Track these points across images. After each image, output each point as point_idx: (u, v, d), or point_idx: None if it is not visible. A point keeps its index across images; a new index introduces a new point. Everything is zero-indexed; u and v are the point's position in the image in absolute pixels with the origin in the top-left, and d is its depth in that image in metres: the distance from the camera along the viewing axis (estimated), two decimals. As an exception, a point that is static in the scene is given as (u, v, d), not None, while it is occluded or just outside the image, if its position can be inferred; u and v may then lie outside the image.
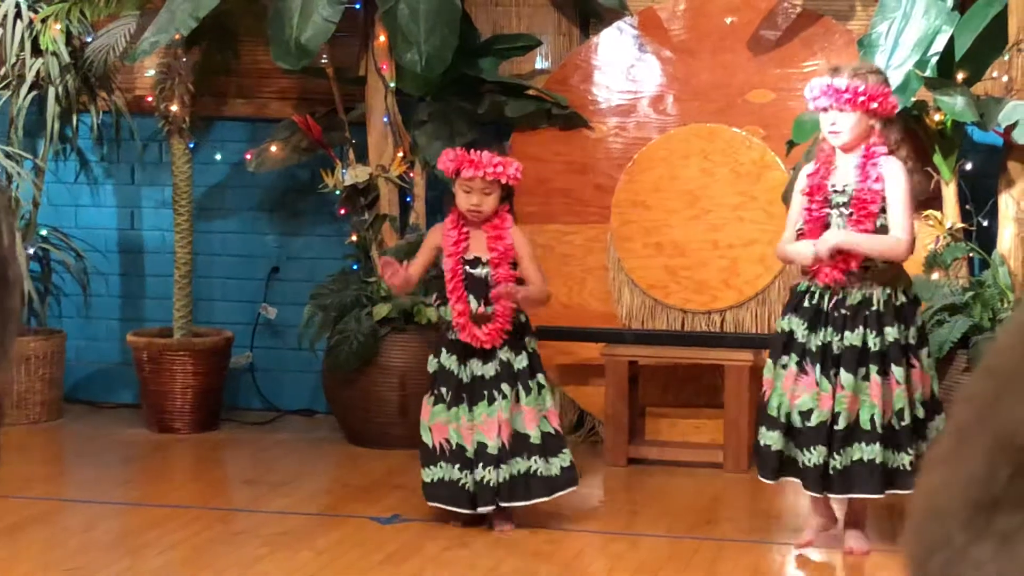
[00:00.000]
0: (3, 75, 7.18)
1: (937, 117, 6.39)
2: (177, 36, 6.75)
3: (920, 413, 5.28)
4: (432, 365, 5.62)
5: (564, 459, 5.57)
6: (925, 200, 6.65)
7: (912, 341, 5.27)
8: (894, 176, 5.21)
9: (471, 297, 5.51)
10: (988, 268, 6.34)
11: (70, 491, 6.29)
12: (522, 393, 5.52)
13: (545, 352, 7.02)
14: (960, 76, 6.32)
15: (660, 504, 5.97)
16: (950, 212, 6.50)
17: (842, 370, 5.22)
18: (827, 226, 5.26)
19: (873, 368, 5.21)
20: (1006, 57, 6.36)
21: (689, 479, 6.39)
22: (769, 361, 5.40)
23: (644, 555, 5.38)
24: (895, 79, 6.13)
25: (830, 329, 5.25)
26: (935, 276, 6.40)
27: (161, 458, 6.85)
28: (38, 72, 7.14)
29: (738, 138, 6.82)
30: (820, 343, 5.25)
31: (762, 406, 5.37)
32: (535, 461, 5.51)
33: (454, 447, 5.53)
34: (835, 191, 5.27)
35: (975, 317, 6.12)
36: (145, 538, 5.53)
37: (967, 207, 6.58)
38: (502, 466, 5.48)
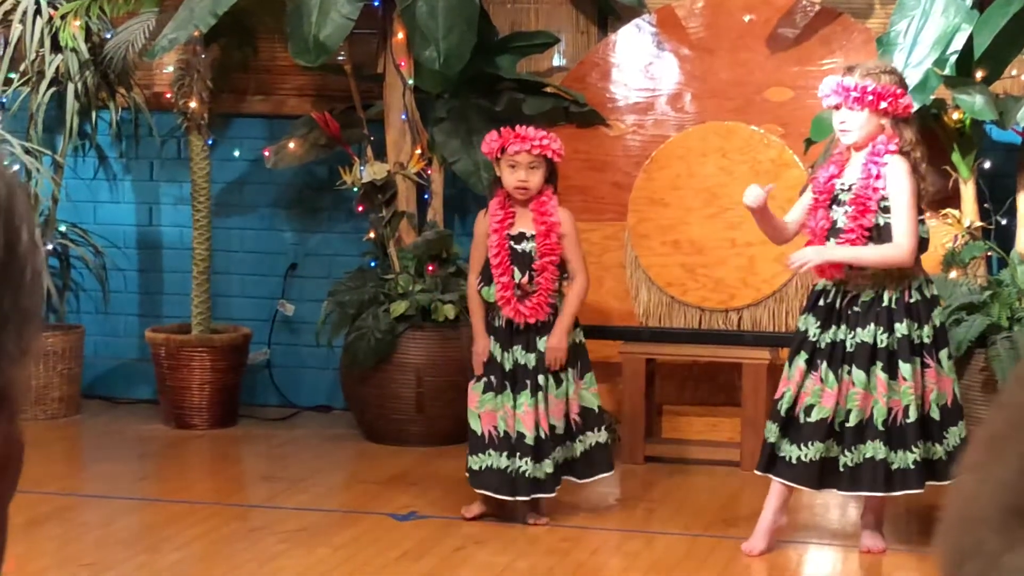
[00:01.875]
0: (23, 71, 7.20)
1: (956, 116, 6.38)
2: (196, 33, 6.76)
3: (936, 415, 5.26)
4: None
5: (580, 447, 5.65)
6: (943, 199, 6.64)
7: (927, 340, 5.26)
8: (897, 176, 5.19)
9: (516, 271, 5.54)
10: (1006, 267, 6.32)
11: (87, 487, 6.31)
12: (552, 384, 5.59)
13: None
14: (979, 74, 6.30)
15: (677, 502, 5.97)
16: (968, 211, 6.49)
17: (854, 367, 5.22)
18: (833, 223, 5.26)
19: (879, 365, 5.21)
20: (1025, 55, 6.34)
21: (706, 477, 6.39)
22: (787, 361, 5.41)
23: (660, 553, 5.38)
24: (914, 78, 6.11)
25: (844, 327, 5.25)
26: (953, 275, 6.39)
27: (178, 454, 6.87)
28: (57, 69, 7.16)
29: (756, 136, 6.82)
30: (830, 340, 5.25)
31: (774, 403, 5.39)
32: (568, 447, 5.61)
33: (502, 435, 5.55)
34: (842, 189, 5.29)
35: (993, 316, 6.10)
36: (162, 534, 5.54)
37: (985, 206, 6.57)
38: (548, 458, 5.53)
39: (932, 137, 6.53)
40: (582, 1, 7.27)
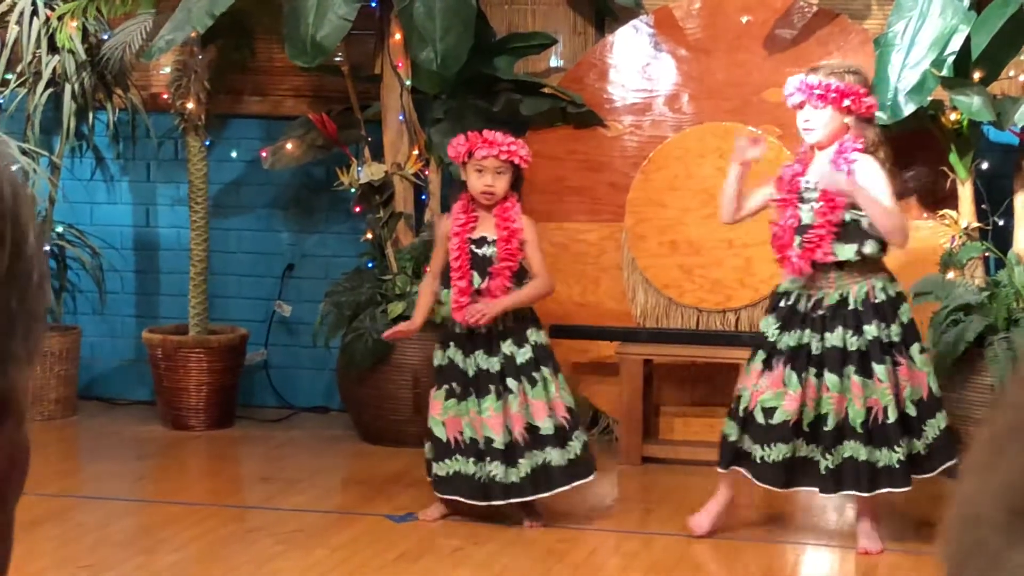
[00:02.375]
0: (20, 72, 7.19)
1: (953, 116, 6.38)
2: (193, 34, 6.75)
3: (912, 411, 5.28)
4: (439, 358, 5.64)
5: (575, 448, 5.58)
6: (941, 199, 6.64)
7: (896, 339, 5.28)
8: (870, 172, 5.21)
9: (475, 275, 5.54)
10: (1004, 268, 6.32)
11: (84, 488, 6.30)
12: (527, 386, 5.54)
13: (560, 350, 7.01)
14: (976, 75, 6.31)
15: (674, 503, 5.97)
16: (966, 211, 6.49)
17: (826, 371, 5.26)
18: (799, 221, 5.29)
19: (851, 368, 5.24)
20: (1023, 56, 6.34)
21: (703, 478, 6.37)
22: (747, 361, 5.47)
23: (658, 554, 5.38)
24: (911, 79, 6.12)
25: (808, 331, 5.28)
26: (950, 275, 6.39)
27: (175, 455, 6.86)
28: (54, 69, 7.15)
29: (753, 137, 6.81)
30: (794, 343, 5.29)
31: (735, 399, 5.45)
32: (549, 452, 5.52)
33: (468, 441, 5.54)
34: (807, 188, 5.33)
35: (991, 317, 6.11)
36: (159, 535, 5.54)
37: (983, 206, 6.57)
38: (520, 461, 5.49)
39: (930, 138, 6.54)
40: (579, 2, 7.27)
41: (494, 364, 5.54)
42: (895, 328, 5.28)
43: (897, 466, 5.23)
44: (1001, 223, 6.58)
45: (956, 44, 6.19)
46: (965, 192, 6.49)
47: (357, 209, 7.07)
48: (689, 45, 7.03)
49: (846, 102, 5.23)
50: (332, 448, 6.89)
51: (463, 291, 5.52)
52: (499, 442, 5.49)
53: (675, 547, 5.44)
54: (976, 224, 6.48)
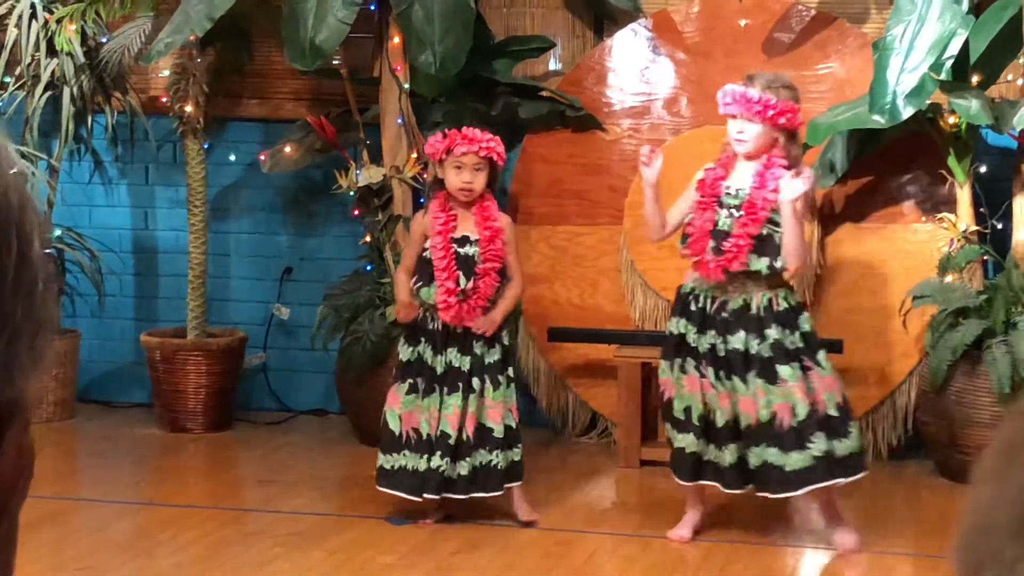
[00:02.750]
0: (18, 75, 7.19)
1: (952, 120, 6.38)
2: (192, 37, 6.75)
3: (834, 412, 5.33)
4: (406, 354, 5.65)
5: (516, 454, 5.62)
6: (939, 203, 6.64)
7: (800, 345, 5.34)
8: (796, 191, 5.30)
9: (460, 276, 5.55)
10: (1002, 271, 6.33)
11: (82, 490, 6.30)
12: (490, 387, 5.56)
13: (558, 353, 7.03)
14: (975, 79, 6.31)
15: (672, 506, 5.96)
16: (964, 215, 6.49)
17: (734, 375, 5.34)
18: (715, 224, 5.38)
19: (753, 373, 5.31)
20: (1021, 60, 6.35)
21: (701, 481, 6.38)
22: (664, 362, 5.51)
23: (656, 557, 5.38)
24: (910, 82, 6.12)
25: (713, 332, 5.37)
26: (949, 279, 6.39)
27: (174, 458, 6.86)
28: (53, 72, 7.15)
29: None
30: (709, 345, 5.37)
31: (666, 408, 5.48)
32: (496, 455, 5.55)
33: (423, 437, 5.56)
34: (728, 193, 5.42)
35: (989, 320, 6.11)
36: (157, 538, 5.54)
37: (981, 210, 6.57)
38: (465, 459, 5.52)
39: (928, 141, 6.54)
40: (578, 5, 7.27)
41: (465, 363, 5.57)
42: (798, 335, 5.35)
43: (814, 463, 5.25)
44: (999, 226, 6.58)
45: (955, 48, 6.20)
46: (963, 195, 6.49)
47: (355, 212, 7.06)
48: (687, 49, 7.03)
49: (781, 120, 5.37)
50: (330, 451, 6.89)
51: (451, 291, 5.54)
52: (452, 438, 5.52)
53: (673, 550, 5.44)
54: (974, 227, 6.49)
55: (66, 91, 7.16)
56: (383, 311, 6.77)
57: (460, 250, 5.59)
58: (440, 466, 5.52)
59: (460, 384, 5.55)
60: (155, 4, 7.06)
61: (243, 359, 7.39)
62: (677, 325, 5.45)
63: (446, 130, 5.65)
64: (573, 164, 7.08)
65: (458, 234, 5.59)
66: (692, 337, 5.39)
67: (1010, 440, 0.88)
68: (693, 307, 5.42)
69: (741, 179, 5.42)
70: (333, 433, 7.15)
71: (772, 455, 5.28)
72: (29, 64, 7.16)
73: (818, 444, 5.26)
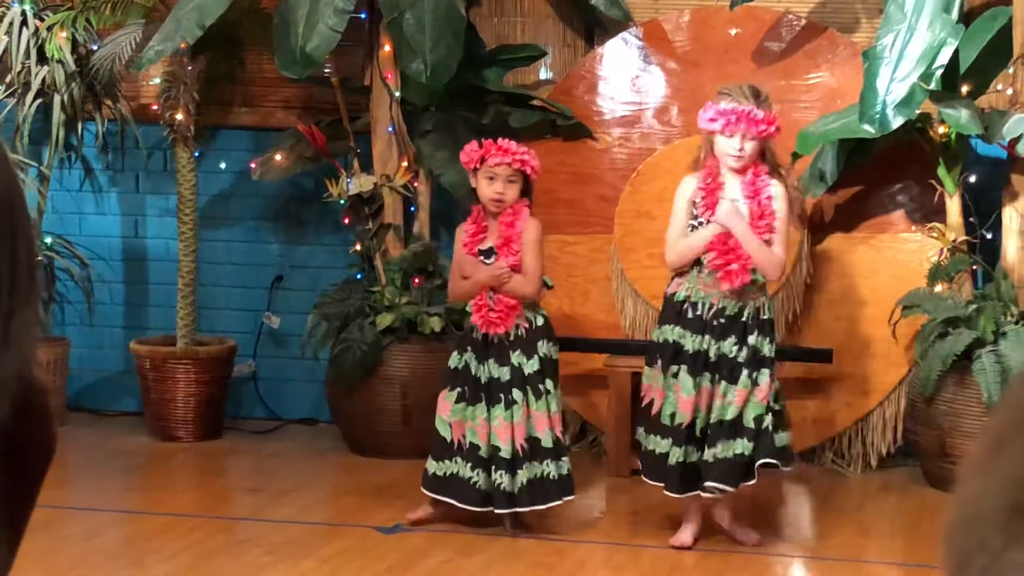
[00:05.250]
0: (9, 83, 7.18)
1: (941, 130, 6.39)
2: (183, 45, 6.75)
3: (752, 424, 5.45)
4: (455, 361, 5.68)
5: (565, 465, 5.61)
6: (929, 212, 6.66)
7: (769, 354, 5.47)
8: (780, 197, 5.48)
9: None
10: (992, 281, 6.34)
11: (72, 499, 6.29)
12: (532, 397, 5.56)
13: (548, 362, 7.02)
14: (964, 89, 6.33)
15: (662, 515, 5.96)
16: (954, 225, 6.50)
17: (719, 377, 5.43)
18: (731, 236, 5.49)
19: (725, 372, 5.42)
20: (1010, 70, 6.36)
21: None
22: (650, 369, 5.57)
23: (646, 566, 5.38)
24: (900, 92, 6.14)
25: (707, 336, 5.46)
26: (939, 288, 6.40)
27: (163, 466, 6.85)
28: (43, 80, 7.14)
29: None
30: (702, 349, 5.46)
31: (653, 416, 5.53)
32: (547, 464, 5.55)
33: (469, 445, 5.56)
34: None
35: (978, 330, 6.12)
36: (147, 547, 5.53)
37: (971, 220, 6.58)
38: (519, 472, 5.52)
39: (918, 151, 6.55)
40: (569, 14, 7.28)
41: (504, 373, 5.59)
42: (767, 344, 5.46)
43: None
44: (989, 236, 6.60)
45: (944, 57, 6.21)
46: (953, 205, 6.51)
47: (346, 221, 7.07)
48: (678, 58, 7.04)
49: (776, 133, 5.51)
50: (321, 460, 6.88)
51: (479, 301, 5.59)
52: (506, 451, 5.52)
53: (663, 559, 5.44)
54: (964, 237, 6.50)
55: (56, 98, 7.15)
56: (373, 320, 6.77)
57: (487, 261, 5.62)
58: (499, 481, 5.53)
59: (502, 396, 5.58)
60: (146, 12, 7.06)
61: (233, 368, 7.38)
62: (672, 332, 5.47)
63: (483, 139, 5.67)
64: (564, 173, 7.08)
65: (485, 245, 5.63)
66: (689, 344, 5.43)
67: (998, 432, 0.88)
68: (690, 314, 5.48)
69: (732, 191, 5.51)
70: (323, 442, 7.14)
71: (747, 448, 5.40)
72: (19, 71, 7.15)
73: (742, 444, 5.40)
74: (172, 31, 6.60)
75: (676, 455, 5.43)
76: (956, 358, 6.06)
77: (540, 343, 5.64)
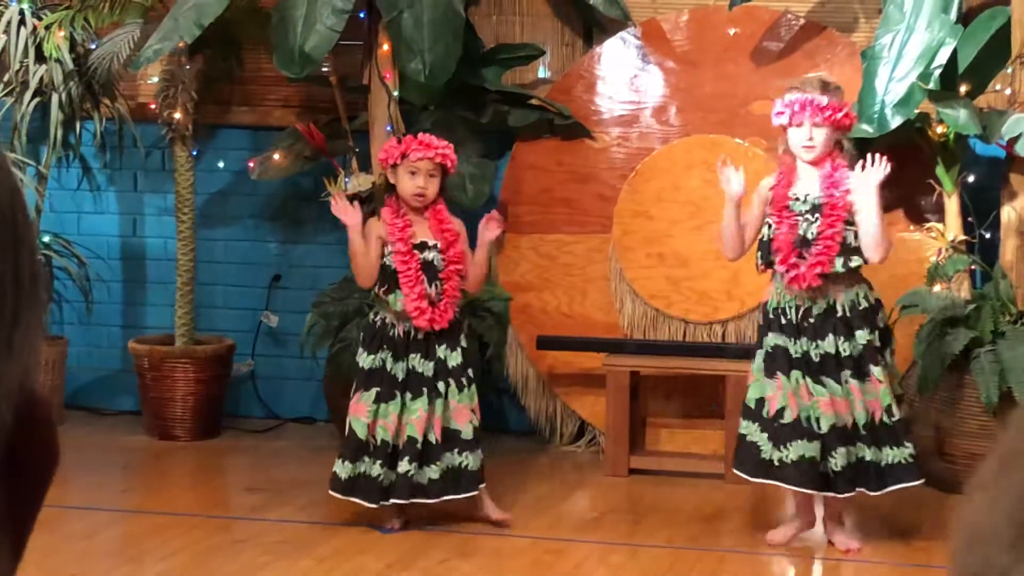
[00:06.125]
0: (7, 82, 7.18)
1: (940, 129, 6.39)
2: (181, 44, 6.75)
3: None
4: (367, 362, 5.64)
5: (480, 457, 5.65)
6: (927, 212, 6.66)
7: (877, 343, 5.41)
8: (870, 188, 5.34)
9: (425, 281, 5.58)
10: (990, 281, 6.34)
11: (70, 498, 6.28)
12: (454, 390, 5.58)
13: (546, 362, 7.03)
14: (963, 89, 6.33)
15: (661, 515, 5.97)
16: (952, 224, 6.50)
17: (824, 377, 5.36)
18: (799, 234, 5.40)
19: (848, 373, 5.36)
20: (1009, 70, 6.36)
21: (690, 490, 6.39)
22: (763, 377, 5.45)
23: (645, 565, 5.38)
24: (898, 91, 6.14)
25: (805, 339, 5.40)
26: (937, 288, 6.40)
27: (162, 465, 6.85)
28: (41, 79, 7.14)
29: (741, 149, 6.82)
30: (802, 352, 5.39)
31: (774, 416, 5.41)
32: (466, 456, 5.57)
33: (379, 443, 5.56)
34: (796, 200, 5.42)
35: (977, 330, 6.12)
36: (145, 546, 5.53)
37: (969, 220, 6.58)
38: (435, 463, 5.54)
39: (916, 151, 6.55)
40: (567, 14, 7.28)
41: (429, 368, 5.60)
42: (876, 334, 5.41)
43: (906, 462, 5.31)
44: (987, 236, 6.60)
45: (943, 57, 6.21)
46: (951, 205, 6.51)
47: (344, 220, 7.06)
48: (677, 57, 7.04)
49: (846, 121, 5.41)
50: (319, 459, 6.86)
51: (420, 296, 5.56)
52: (420, 442, 5.55)
53: (662, 558, 5.44)
54: (962, 237, 6.50)
55: (55, 98, 7.14)
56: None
57: (421, 255, 5.62)
58: (409, 471, 5.53)
59: (424, 389, 5.57)
60: (144, 11, 7.06)
61: (231, 367, 7.38)
62: (776, 339, 5.43)
63: (401, 136, 5.70)
64: (562, 172, 7.08)
65: (416, 240, 5.62)
66: (794, 350, 5.39)
67: (1009, 448, 0.88)
68: (783, 320, 5.43)
69: (807, 185, 5.41)
70: (321, 441, 7.13)
71: (867, 452, 5.33)
72: (18, 70, 7.14)
73: (911, 444, 5.36)
74: (170, 30, 6.60)
75: (807, 451, 5.31)
76: (954, 358, 6.06)
77: (461, 336, 5.66)
